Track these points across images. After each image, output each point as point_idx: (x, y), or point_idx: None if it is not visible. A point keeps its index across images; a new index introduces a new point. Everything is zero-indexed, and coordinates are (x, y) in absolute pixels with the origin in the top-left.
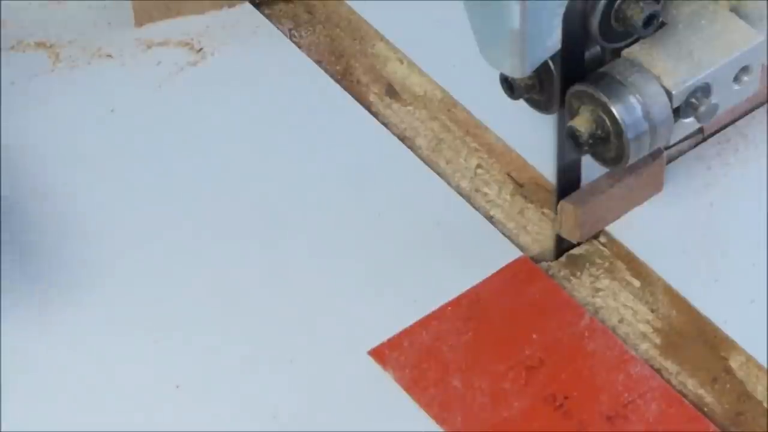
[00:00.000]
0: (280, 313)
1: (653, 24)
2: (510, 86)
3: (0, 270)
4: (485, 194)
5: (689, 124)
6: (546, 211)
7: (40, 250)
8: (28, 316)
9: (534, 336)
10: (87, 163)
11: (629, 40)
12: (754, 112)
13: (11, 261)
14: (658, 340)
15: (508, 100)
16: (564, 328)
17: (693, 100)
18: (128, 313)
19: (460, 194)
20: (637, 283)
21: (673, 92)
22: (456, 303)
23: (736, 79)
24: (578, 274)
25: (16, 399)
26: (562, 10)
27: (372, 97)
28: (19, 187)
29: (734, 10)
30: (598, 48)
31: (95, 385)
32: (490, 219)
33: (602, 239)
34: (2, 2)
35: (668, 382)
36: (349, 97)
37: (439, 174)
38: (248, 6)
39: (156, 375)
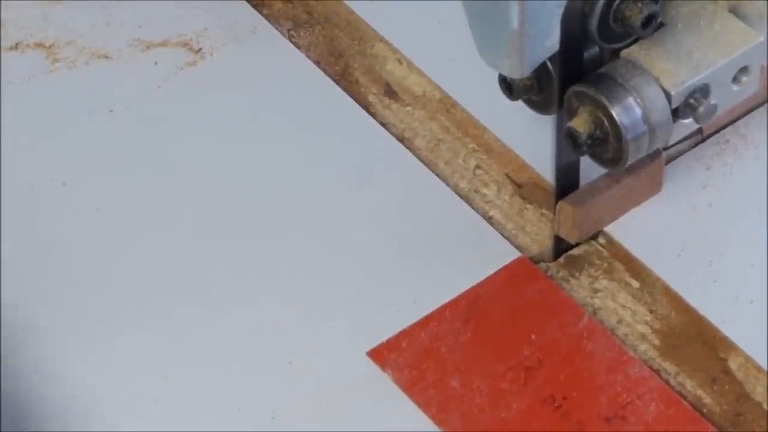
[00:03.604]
0: (278, 314)
1: (652, 24)
2: (509, 87)
3: (0, 268)
4: (484, 195)
5: (688, 124)
6: (545, 211)
7: (39, 249)
8: (27, 315)
9: (533, 337)
10: (86, 164)
11: (628, 41)
12: (753, 113)
13: (10, 260)
14: (656, 341)
15: (507, 100)
16: (563, 329)
17: (692, 100)
18: (126, 312)
19: (459, 195)
20: (635, 283)
21: (672, 93)
22: (455, 304)
23: (735, 79)
24: (577, 274)
25: (14, 398)
26: (560, 11)
27: (371, 98)
28: (18, 187)
29: (733, 10)
30: (596, 48)
31: (93, 385)
32: (489, 219)
33: (601, 240)
34: (1, 3)
35: (667, 382)
36: (348, 97)
37: (437, 174)
38: (247, 6)
39: (154, 375)
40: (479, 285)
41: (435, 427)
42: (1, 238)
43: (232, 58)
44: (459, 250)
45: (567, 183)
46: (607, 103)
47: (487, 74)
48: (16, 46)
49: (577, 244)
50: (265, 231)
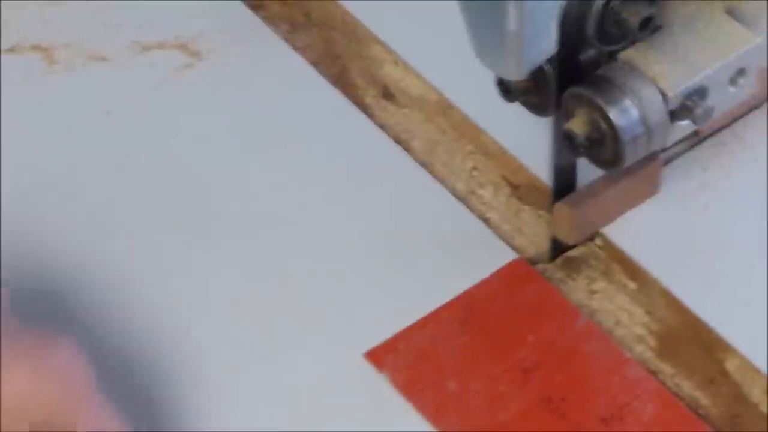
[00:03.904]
0: (276, 315)
1: (649, 27)
2: (506, 89)
3: (0, 268)
4: (481, 196)
5: (685, 126)
6: (542, 213)
7: (37, 250)
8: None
9: (530, 338)
10: (83, 166)
11: (625, 43)
12: (750, 115)
13: (9, 261)
14: (653, 343)
15: (504, 102)
16: (560, 331)
17: (689, 102)
18: (125, 313)
19: (456, 196)
20: (633, 285)
21: (669, 95)
22: (452, 305)
23: (732, 81)
24: (574, 276)
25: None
26: (558, 12)
27: (368, 100)
28: (15, 189)
29: (730, 12)
30: (593, 50)
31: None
32: (486, 221)
33: (598, 241)
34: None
35: (664, 384)
36: (345, 99)
37: (434, 176)
38: (244, 8)
39: (153, 374)
40: (476, 287)
41: (432, 429)
42: (1, 237)
43: (229, 60)
44: (456, 252)
45: (564, 184)
46: (604, 105)
47: (484, 76)
48: (13, 48)
49: (575, 246)
50: (263, 233)
